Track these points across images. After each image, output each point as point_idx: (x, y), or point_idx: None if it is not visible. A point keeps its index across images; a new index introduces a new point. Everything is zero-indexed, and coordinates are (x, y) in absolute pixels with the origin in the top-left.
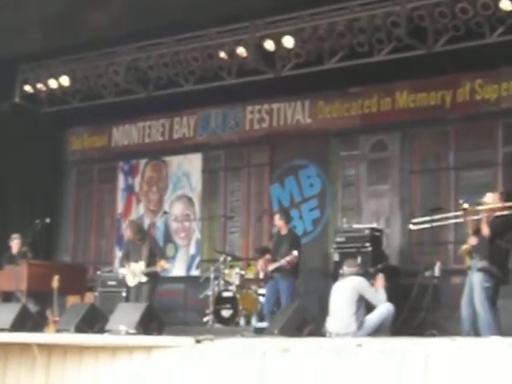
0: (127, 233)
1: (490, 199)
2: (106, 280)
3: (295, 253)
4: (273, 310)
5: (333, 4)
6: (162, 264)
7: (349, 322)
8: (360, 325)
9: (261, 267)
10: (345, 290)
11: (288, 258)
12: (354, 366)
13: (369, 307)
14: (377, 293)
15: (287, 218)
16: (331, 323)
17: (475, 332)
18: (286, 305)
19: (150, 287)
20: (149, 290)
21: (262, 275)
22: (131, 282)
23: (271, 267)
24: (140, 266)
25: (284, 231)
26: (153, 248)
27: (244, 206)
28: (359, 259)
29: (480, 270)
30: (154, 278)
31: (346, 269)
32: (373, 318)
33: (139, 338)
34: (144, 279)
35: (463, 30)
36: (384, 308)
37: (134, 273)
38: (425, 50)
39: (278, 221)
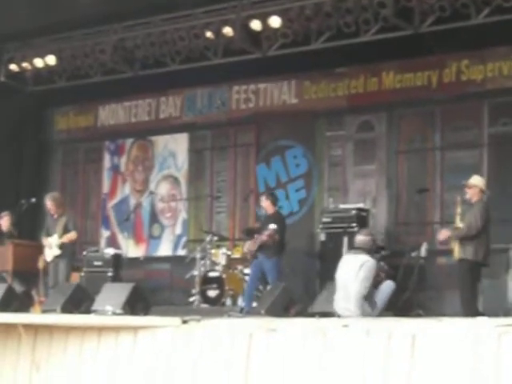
0: (48, 206)
1: (477, 181)
2: (91, 260)
3: (272, 225)
4: (256, 289)
5: None
6: (69, 235)
7: (362, 309)
8: (373, 306)
9: (248, 248)
10: (355, 273)
11: (267, 233)
12: (341, 346)
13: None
14: (377, 290)
15: (273, 199)
16: (343, 307)
17: None
18: (273, 285)
19: (66, 263)
20: (66, 268)
21: (249, 256)
22: (48, 256)
23: (254, 245)
24: (54, 238)
25: (270, 211)
26: (67, 223)
27: (230, 186)
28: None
29: None
30: (68, 253)
31: (359, 237)
32: (382, 299)
33: (125, 319)
34: (58, 252)
35: (449, 10)
36: (389, 286)
37: (50, 246)
38: (411, 30)
39: (265, 201)
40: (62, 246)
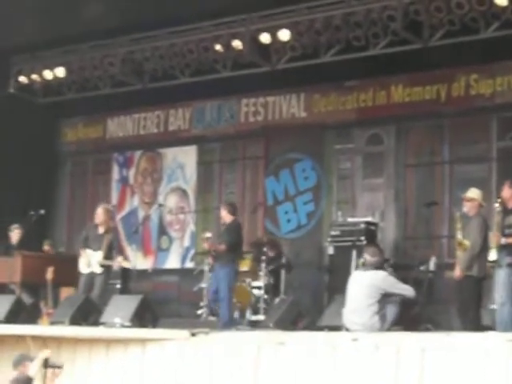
0: (99, 217)
1: (475, 194)
2: None
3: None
4: (215, 298)
5: None
6: (120, 260)
7: (373, 323)
8: (383, 320)
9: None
10: (367, 288)
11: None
12: (350, 360)
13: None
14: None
15: (231, 209)
16: (352, 321)
17: None
18: (281, 298)
19: (103, 280)
20: (102, 284)
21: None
22: (84, 269)
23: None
24: (98, 256)
25: (227, 221)
26: (113, 241)
27: (239, 199)
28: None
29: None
30: (107, 272)
31: (367, 257)
32: (392, 313)
33: (134, 331)
34: (99, 271)
35: (458, 24)
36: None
37: (89, 261)
38: (420, 44)
39: (222, 211)
40: (104, 266)
